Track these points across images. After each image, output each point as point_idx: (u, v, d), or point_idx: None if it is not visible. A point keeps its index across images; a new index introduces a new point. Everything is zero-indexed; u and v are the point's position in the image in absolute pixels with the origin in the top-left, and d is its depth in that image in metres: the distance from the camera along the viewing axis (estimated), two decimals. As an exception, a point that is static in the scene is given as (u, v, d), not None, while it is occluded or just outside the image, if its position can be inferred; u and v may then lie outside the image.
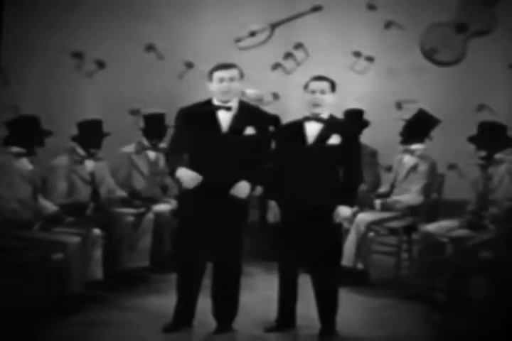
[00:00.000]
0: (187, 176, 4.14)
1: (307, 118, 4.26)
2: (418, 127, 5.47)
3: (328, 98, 4.24)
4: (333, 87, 4.28)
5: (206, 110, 4.24)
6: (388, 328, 4.43)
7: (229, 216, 4.19)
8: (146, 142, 5.86)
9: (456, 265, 4.48)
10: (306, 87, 4.27)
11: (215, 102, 4.25)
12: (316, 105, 4.22)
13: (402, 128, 5.49)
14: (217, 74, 4.21)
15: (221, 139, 4.19)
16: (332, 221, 4.21)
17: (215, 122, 4.22)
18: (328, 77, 4.31)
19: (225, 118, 4.23)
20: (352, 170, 4.26)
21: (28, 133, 4.72)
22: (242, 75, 4.27)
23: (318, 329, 4.26)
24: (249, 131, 4.20)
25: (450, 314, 4.32)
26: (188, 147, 4.25)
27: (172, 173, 4.23)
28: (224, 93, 4.21)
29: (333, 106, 4.31)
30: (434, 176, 5.47)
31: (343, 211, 4.22)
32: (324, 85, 4.25)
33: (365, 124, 5.82)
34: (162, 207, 5.61)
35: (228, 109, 4.23)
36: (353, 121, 5.63)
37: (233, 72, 4.22)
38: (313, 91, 4.23)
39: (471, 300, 4.49)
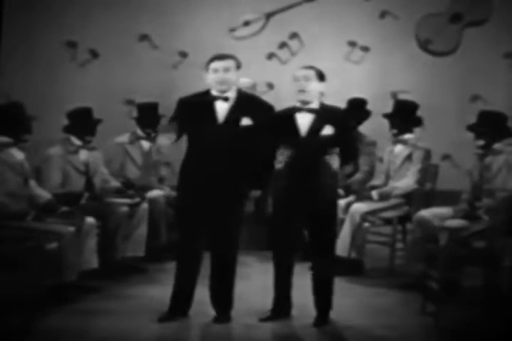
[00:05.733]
0: None
1: (298, 109, 4.24)
2: (401, 117, 5.46)
3: (314, 85, 4.23)
4: (320, 75, 4.27)
5: (205, 100, 4.23)
6: (382, 317, 4.44)
7: (226, 206, 4.19)
8: (140, 132, 5.85)
9: (450, 254, 4.49)
10: (293, 77, 4.27)
11: (213, 92, 4.24)
12: (300, 91, 4.22)
13: (389, 123, 5.50)
14: (213, 65, 4.20)
15: (216, 130, 4.18)
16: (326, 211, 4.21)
17: (212, 112, 4.21)
18: (315, 66, 4.31)
19: (222, 108, 4.21)
20: (348, 157, 4.30)
21: (13, 121, 4.60)
22: (239, 66, 4.25)
23: (312, 318, 4.27)
24: (246, 121, 4.19)
25: (444, 303, 4.33)
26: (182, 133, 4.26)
27: None
28: (218, 83, 4.19)
29: (323, 95, 4.31)
30: (428, 162, 5.48)
31: None
32: (308, 73, 4.25)
33: (367, 114, 5.84)
34: (155, 193, 5.59)
35: (226, 99, 4.21)
36: (355, 111, 5.68)
37: (228, 63, 4.20)
38: (297, 79, 4.24)
39: (464, 289, 4.51)
